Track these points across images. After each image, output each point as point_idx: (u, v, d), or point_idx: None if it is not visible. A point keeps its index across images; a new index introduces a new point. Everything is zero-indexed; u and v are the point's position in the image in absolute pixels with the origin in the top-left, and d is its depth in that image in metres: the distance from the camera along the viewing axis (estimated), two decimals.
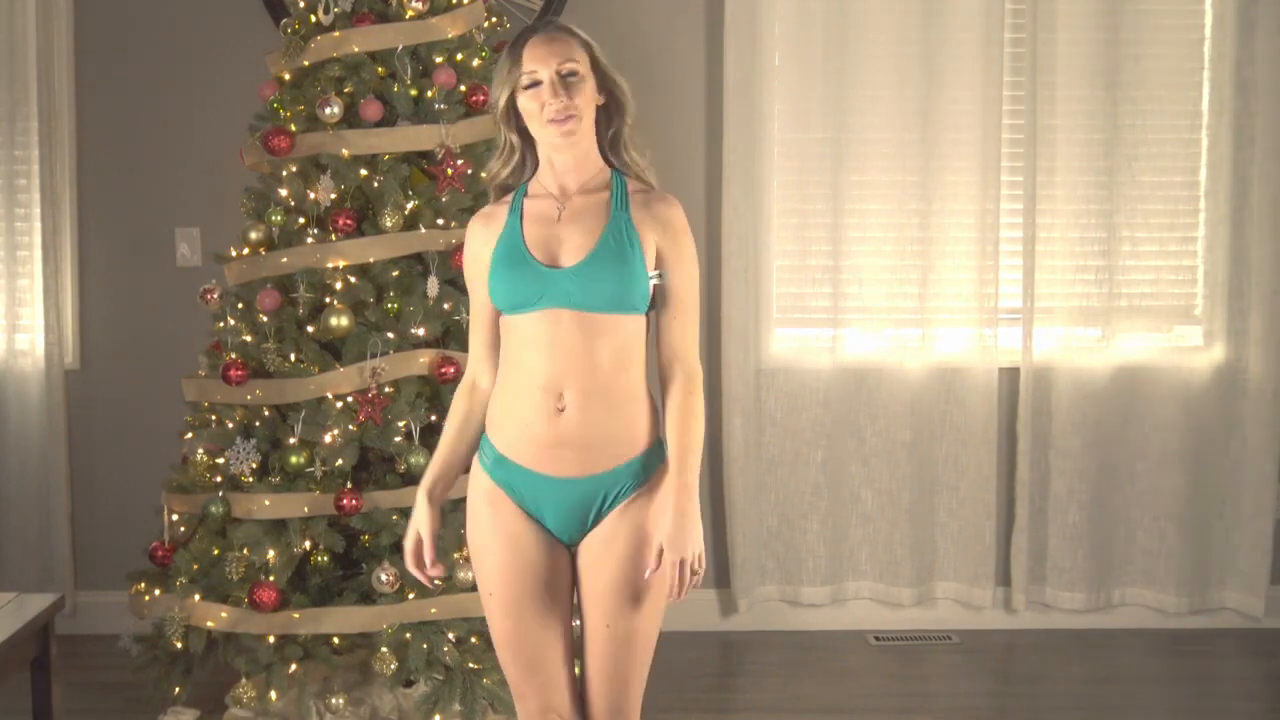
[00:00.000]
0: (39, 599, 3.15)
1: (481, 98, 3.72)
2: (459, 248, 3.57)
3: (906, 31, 4.55)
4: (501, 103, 2.43)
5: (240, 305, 3.69)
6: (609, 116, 2.46)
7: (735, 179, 4.51)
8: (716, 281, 4.54)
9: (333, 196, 3.62)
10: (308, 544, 3.55)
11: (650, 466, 2.41)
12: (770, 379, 4.64)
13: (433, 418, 3.60)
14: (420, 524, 2.50)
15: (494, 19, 4.02)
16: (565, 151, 2.41)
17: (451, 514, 3.54)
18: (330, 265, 3.59)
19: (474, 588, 3.49)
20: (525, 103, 2.39)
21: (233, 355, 3.62)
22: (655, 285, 2.40)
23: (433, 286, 3.61)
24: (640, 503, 2.40)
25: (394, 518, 3.51)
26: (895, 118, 4.58)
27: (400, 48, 3.68)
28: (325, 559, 3.58)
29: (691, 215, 2.52)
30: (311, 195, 3.63)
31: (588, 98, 2.39)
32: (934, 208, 4.59)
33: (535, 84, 2.37)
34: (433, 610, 3.48)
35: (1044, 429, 4.66)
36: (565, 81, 2.36)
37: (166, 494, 3.70)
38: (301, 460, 3.54)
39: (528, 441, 2.39)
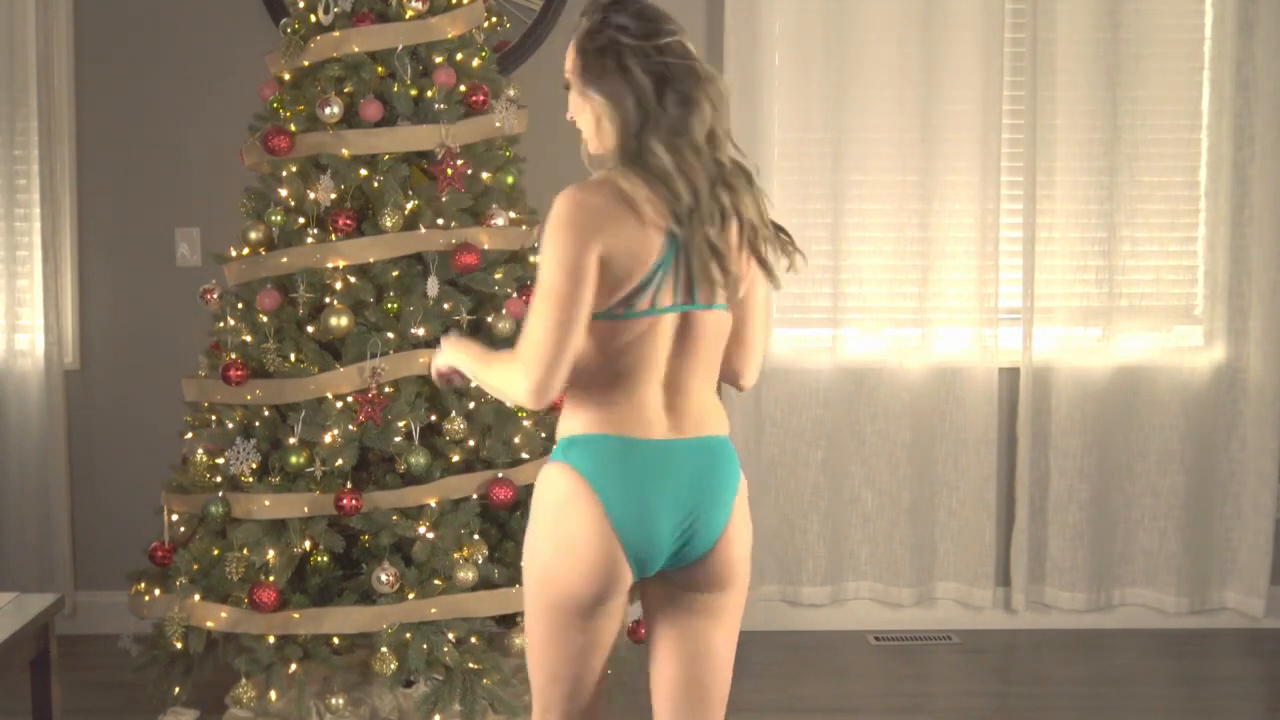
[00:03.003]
0: (39, 599, 3.14)
1: (481, 98, 3.72)
2: (459, 248, 3.57)
3: (906, 31, 4.55)
4: None
5: (240, 305, 3.69)
6: None
7: None
8: None
9: (333, 196, 3.62)
10: (308, 544, 3.55)
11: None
12: (770, 379, 4.63)
13: (433, 418, 3.61)
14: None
15: (494, 19, 4.02)
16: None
17: (451, 514, 3.55)
18: (330, 265, 3.59)
19: (474, 587, 3.52)
20: None
21: (233, 355, 3.62)
22: None
23: (433, 286, 3.60)
24: None
25: (394, 518, 3.51)
26: (895, 118, 4.58)
27: (400, 48, 3.67)
28: (325, 559, 3.58)
29: None
30: (311, 195, 3.63)
31: (574, 109, 2.26)
32: (934, 208, 4.59)
33: None
34: (433, 610, 3.47)
35: (1044, 429, 4.66)
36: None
37: (166, 494, 3.70)
38: (301, 460, 3.54)
39: None
